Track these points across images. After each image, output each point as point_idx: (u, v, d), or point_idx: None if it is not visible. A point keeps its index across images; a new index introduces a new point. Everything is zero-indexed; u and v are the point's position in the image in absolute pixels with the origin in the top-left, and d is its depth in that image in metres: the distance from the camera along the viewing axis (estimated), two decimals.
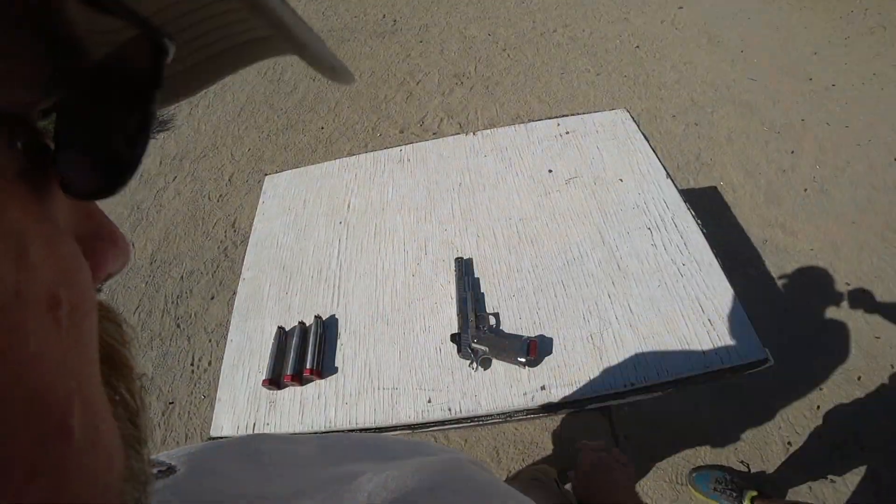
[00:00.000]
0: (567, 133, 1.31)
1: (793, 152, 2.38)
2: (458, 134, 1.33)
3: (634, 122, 1.30)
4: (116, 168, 0.14)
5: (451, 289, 1.02)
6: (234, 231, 2.43)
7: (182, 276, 2.32)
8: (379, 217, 1.18)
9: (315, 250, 1.16)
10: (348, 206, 1.23)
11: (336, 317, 1.03)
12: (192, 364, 2.03)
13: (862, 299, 1.87)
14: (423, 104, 2.92)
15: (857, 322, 1.81)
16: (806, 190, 2.23)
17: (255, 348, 1.02)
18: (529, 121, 1.37)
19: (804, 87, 2.73)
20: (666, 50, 3.07)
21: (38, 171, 0.14)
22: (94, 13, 0.12)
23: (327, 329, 1.02)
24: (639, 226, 1.07)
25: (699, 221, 1.09)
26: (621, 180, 1.16)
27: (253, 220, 1.27)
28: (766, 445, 1.59)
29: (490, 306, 0.99)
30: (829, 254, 2.00)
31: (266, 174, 1.38)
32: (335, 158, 1.36)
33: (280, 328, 1.02)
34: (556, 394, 0.87)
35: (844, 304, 1.87)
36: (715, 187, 2.19)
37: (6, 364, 0.11)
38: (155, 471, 0.28)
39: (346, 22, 3.83)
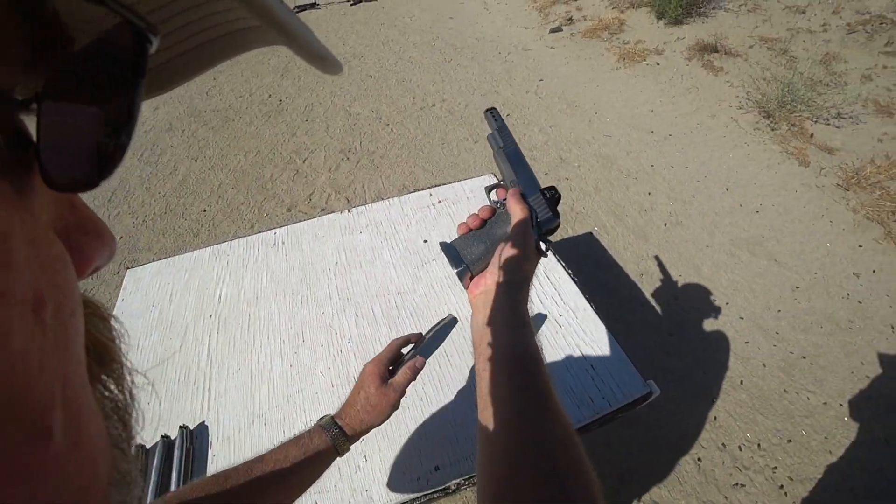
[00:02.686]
0: (440, 202, 1.36)
1: (649, 193, 2.74)
2: (332, 213, 1.33)
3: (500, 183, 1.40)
4: (100, 159, 0.14)
5: (332, 375, 0.97)
6: None
7: None
8: (252, 307, 1.10)
9: (183, 349, 1.04)
10: (219, 298, 1.13)
11: (206, 423, 0.91)
12: None
13: (726, 311, 2.12)
14: (311, 181, 2.93)
15: (728, 332, 2.03)
16: (665, 224, 2.54)
17: None
18: (405, 193, 1.41)
19: (648, 138, 3.20)
20: (533, 116, 3.46)
21: (21, 165, 0.13)
22: (82, 2, 0.12)
23: (196, 439, 0.90)
24: None
25: (570, 270, 1.16)
26: None
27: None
28: (680, 468, 1.66)
29: None
30: (694, 276, 2.27)
31: (127, 268, 1.24)
32: (218, 243, 1.27)
33: (140, 447, 0.88)
34: (452, 472, 0.83)
35: (713, 318, 2.10)
36: (591, 233, 2.42)
37: None
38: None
39: (231, 102, 3.82)
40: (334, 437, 0.62)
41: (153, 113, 3.67)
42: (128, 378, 0.18)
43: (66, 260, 0.14)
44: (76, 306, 0.14)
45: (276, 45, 0.17)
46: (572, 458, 0.36)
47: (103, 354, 0.17)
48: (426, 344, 0.92)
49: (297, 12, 6.81)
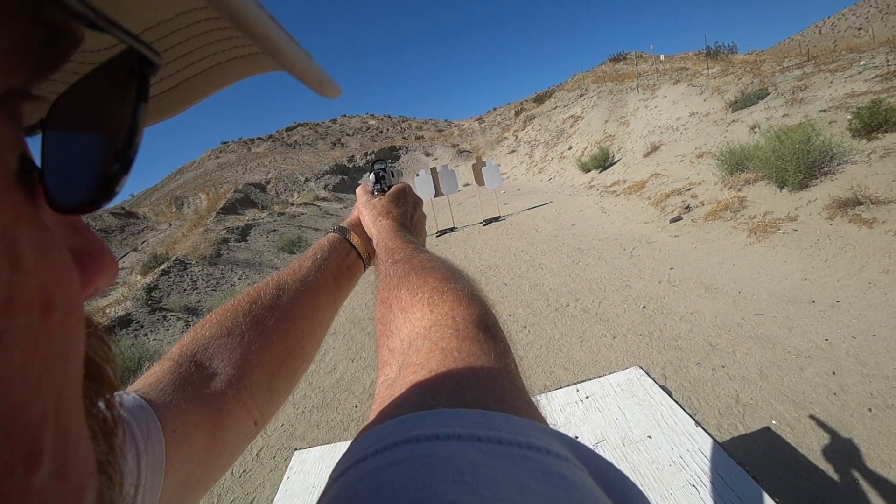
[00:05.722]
0: (587, 398, 1.37)
1: (834, 373, 2.39)
2: None
3: (650, 377, 1.39)
4: (102, 182, 0.14)
5: None
6: None
7: None
8: None
9: None
10: None
11: None
12: None
13: None
14: None
15: None
16: (871, 410, 2.13)
17: None
18: (549, 390, 1.42)
19: (811, 309, 2.94)
20: (670, 305, 3.49)
21: (31, 177, 0.14)
22: (85, 30, 0.12)
23: None
24: (681, 484, 0.98)
25: (748, 468, 1.02)
26: (650, 437, 1.15)
27: (273, 499, 1.24)
28: None
29: None
30: None
31: (296, 449, 1.37)
32: None
33: None
34: None
35: None
36: (768, 427, 2.14)
37: None
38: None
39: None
40: (337, 229, 0.64)
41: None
42: (117, 399, 0.18)
43: (73, 266, 0.14)
44: (80, 318, 0.14)
45: (275, 70, 0.18)
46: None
47: (96, 374, 0.17)
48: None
49: (438, 236, 8.36)
